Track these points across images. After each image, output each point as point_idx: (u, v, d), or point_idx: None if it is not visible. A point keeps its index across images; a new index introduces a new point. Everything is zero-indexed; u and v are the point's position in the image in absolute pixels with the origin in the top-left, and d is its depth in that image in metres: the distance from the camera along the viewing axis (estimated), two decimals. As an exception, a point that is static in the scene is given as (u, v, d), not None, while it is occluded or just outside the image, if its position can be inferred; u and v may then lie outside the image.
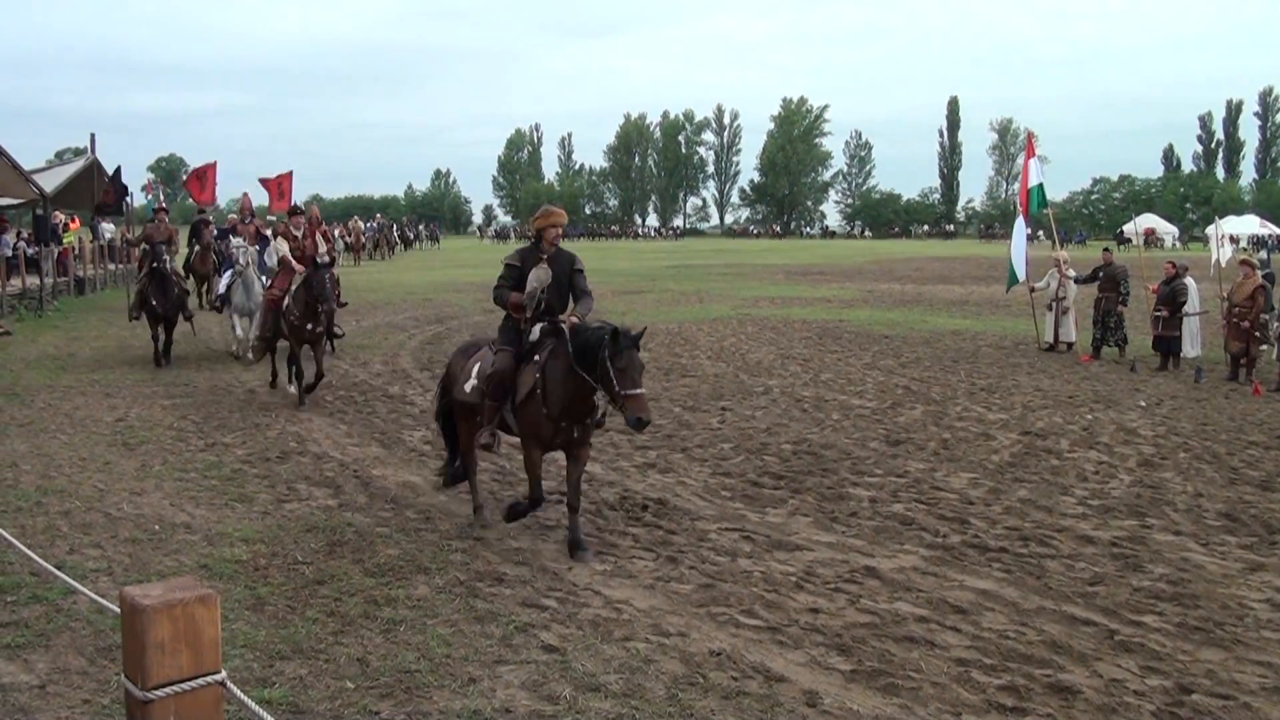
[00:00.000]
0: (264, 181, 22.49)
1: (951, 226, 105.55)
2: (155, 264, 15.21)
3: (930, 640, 5.60)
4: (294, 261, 12.73)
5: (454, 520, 7.75)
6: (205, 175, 24.96)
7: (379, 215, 37.67)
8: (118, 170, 27.09)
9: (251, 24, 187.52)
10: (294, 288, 12.36)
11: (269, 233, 17.60)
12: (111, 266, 33.34)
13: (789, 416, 11.86)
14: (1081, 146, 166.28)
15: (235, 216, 20.04)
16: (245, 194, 18.37)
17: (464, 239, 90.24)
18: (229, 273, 16.38)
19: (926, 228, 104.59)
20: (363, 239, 50.81)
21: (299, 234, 13.03)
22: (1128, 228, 66.74)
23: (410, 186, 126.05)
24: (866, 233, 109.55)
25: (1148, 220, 70.19)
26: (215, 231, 22.77)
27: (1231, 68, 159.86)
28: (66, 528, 7.46)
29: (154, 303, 15.08)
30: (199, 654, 2.24)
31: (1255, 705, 4.92)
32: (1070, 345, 17.72)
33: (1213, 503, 8.40)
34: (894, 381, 14.36)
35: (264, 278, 15.54)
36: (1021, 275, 18.28)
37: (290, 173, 21.90)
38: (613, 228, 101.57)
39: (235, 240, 16.35)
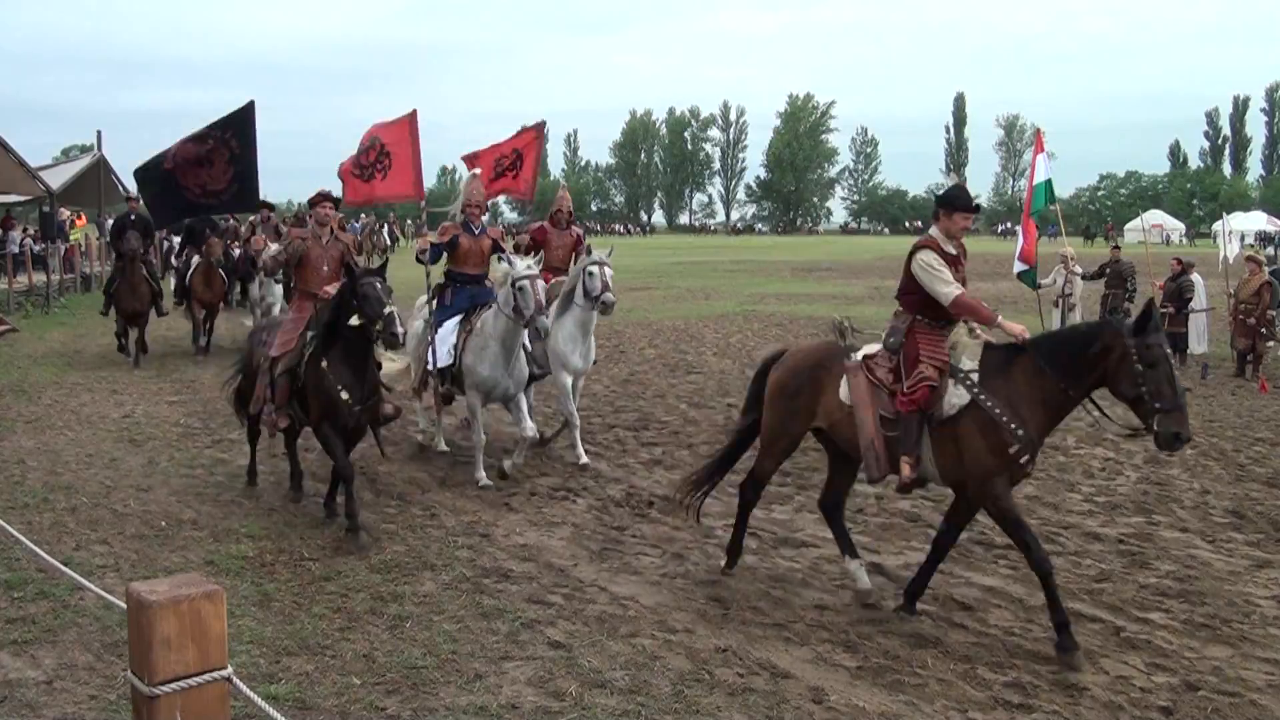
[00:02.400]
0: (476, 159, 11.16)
1: (921, 223, 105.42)
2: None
3: (937, 637, 5.60)
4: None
5: (459, 517, 7.76)
6: (398, 152, 10.09)
7: (363, 215, 36.98)
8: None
9: (256, 21, 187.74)
10: (795, 365, 6.13)
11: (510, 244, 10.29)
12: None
13: (795, 413, 11.81)
14: (1087, 143, 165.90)
15: (450, 222, 9.86)
16: (475, 174, 10.22)
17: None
18: (452, 323, 9.16)
19: (886, 229, 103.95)
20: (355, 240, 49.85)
21: None
22: (1134, 224, 66.64)
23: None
24: (818, 229, 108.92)
25: (1154, 216, 70.19)
26: (388, 231, 10.39)
27: (1238, 63, 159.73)
28: (73, 524, 7.48)
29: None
30: (205, 650, 2.24)
31: (1262, 702, 4.91)
32: (1077, 342, 17.65)
33: (1219, 500, 8.38)
34: (900, 378, 14.30)
35: (529, 319, 8.22)
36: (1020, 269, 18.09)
37: (542, 124, 11.77)
38: (592, 224, 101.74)
39: (522, 266, 8.36)
